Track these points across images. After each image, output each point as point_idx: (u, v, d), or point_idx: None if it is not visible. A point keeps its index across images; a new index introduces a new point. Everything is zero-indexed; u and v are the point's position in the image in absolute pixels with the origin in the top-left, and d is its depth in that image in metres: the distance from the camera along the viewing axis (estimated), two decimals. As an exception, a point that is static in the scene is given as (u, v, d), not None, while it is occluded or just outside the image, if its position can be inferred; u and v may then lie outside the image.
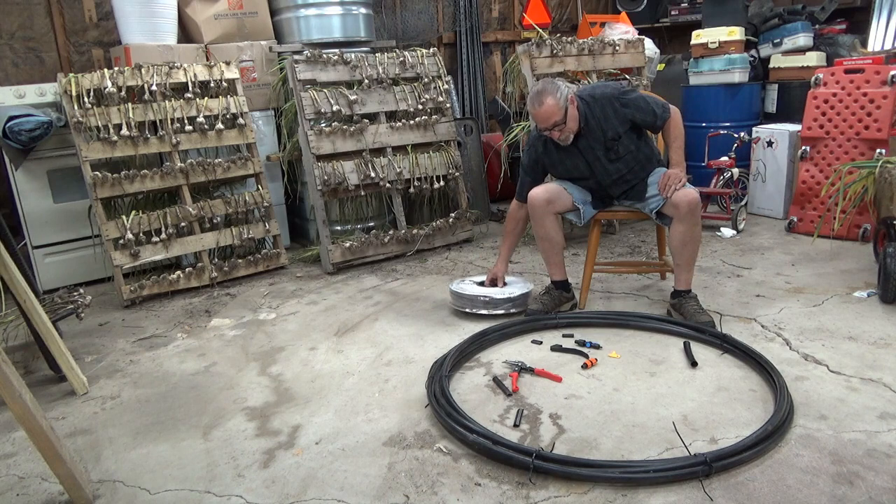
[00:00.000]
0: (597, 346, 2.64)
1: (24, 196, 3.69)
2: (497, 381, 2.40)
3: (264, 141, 4.30)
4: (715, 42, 4.82)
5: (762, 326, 2.78)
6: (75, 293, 2.90)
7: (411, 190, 4.20)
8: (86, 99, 3.50)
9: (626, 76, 4.46)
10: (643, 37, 4.63)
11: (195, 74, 3.80)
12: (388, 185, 4.09)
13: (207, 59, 4.07)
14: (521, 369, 2.46)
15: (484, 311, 3.01)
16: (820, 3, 5.11)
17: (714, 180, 4.43)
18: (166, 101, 3.71)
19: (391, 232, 4.09)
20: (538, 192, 2.91)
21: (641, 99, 2.87)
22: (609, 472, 1.80)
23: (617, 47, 4.34)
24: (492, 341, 2.74)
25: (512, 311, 3.03)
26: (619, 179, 2.91)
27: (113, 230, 3.52)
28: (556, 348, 2.66)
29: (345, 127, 3.97)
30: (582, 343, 2.69)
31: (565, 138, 2.81)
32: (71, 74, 3.52)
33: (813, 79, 4.12)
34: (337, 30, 4.44)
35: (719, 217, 4.34)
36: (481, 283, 3.20)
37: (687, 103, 4.98)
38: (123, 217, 3.56)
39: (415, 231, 4.13)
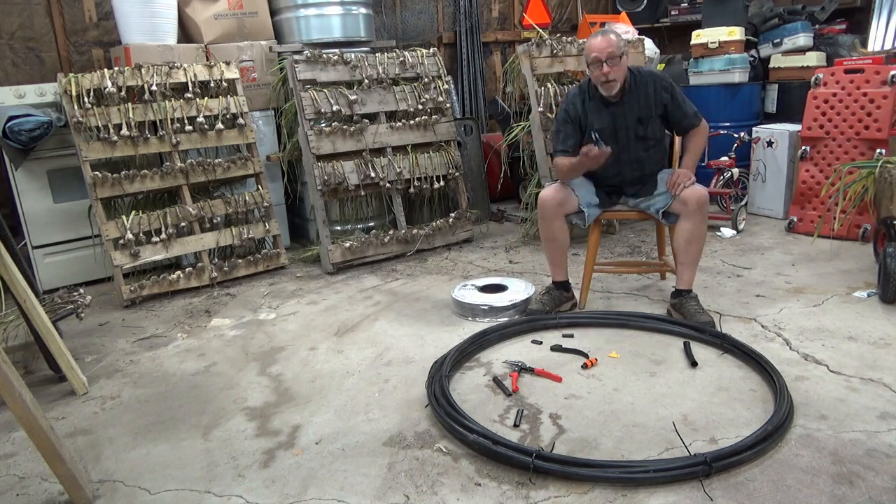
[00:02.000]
0: (584, 355, 2.58)
1: (24, 196, 3.69)
2: (497, 381, 2.40)
3: (264, 141, 4.30)
4: (715, 42, 4.82)
5: (762, 326, 2.78)
6: (75, 293, 2.90)
7: (411, 190, 4.20)
8: (86, 99, 3.50)
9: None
10: (643, 37, 4.63)
11: (195, 74, 3.80)
12: (388, 185, 4.09)
13: (207, 59, 4.07)
14: (521, 369, 2.46)
15: (486, 320, 3.01)
16: (820, 3, 5.11)
17: (714, 180, 4.42)
18: (166, 101, 3.71)
19: (391, 232, 4.09)
20: (549, 194, 2.89)
21: (681, 95, 2.90)
22: (609, 472, 1.80)
23: (617, 47, 4.33)
24: (492, 341, 2.74)
25: (514, 317, 3.03)
26: (638, 164, 2.91)
27: (113, 230, 3.52)
28: (556, 348, 2.65)
29: (345, 127, 3.97)
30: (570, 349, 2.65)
31: (612, 80, 2.75)
32: (71, 74, 3.52)
33: (813, 79, 4.12)
34: (337, 30, 4.44)
35: (719, 217, 4.34)
36: (483, 288, 3.21)
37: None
38: (123, 217, 3.56)
39: (415, 231, 4.13)
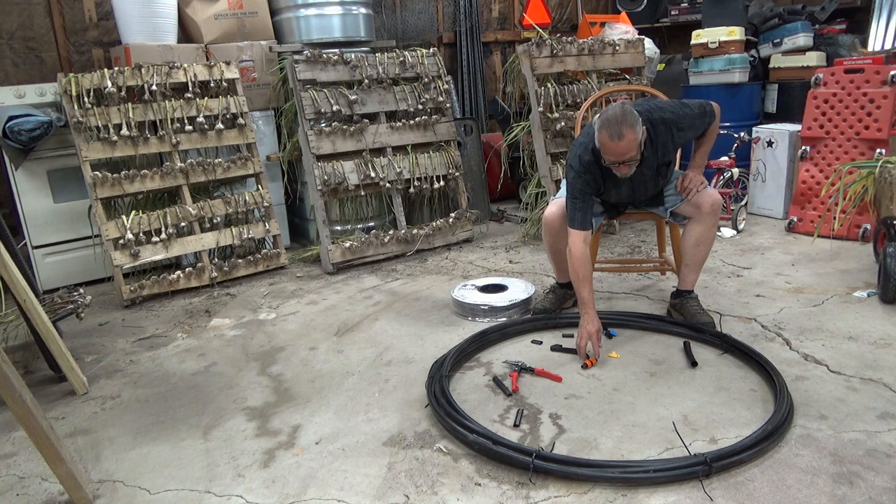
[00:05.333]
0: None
1: (24, 196, 3.69)
2: (497, 381, 2.40)
3: (264, 141, 4.30)
4: (715, 42, 4.82)
5: (762, 326, 2.78)
6: (75, 293, 2.90)
7: (411, 190, 4.20)
8: (86, 99, 3.50)
9: (627, 76, 4.47)
10: (643, 37, 4.63)
11: (195, 74, 3.80)
12: (388, 185, 4.09)
13: (207, 59, 4.07)
14: (521, 369, 2.46)
15: (486, 320, 3.02)
16: (820, 3, 5.11)
17: (714, 180, 4.42)
18: (166, 101, 3.71)
19: (391, 232, 4.09)
20: (555, 212, 2.80)
21: (692, 118, 2.65)
22: (609, 472, 1.81)
23: (617, 47, 4.34)
24: (492, 341, 2.74)
25: (514, 318, 3.03)
26: (654, 186, 2.77)
27: (113, 230, 3.52)
28: (556, 348, 2.65)
29: (345, 127, 3.97)
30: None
31: (629, 173, 2.51)
32: (71, 74, 3.52)
33: (813, 79, 4.12)
34: (337, 30, 4.44)
35: (719, 217, 4.33)
36: (483, 287, 3.21)
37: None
38: (123, 217, 3.56)
39: (415, 231, 4.13)
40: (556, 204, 2.84)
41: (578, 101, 4.16)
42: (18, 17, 4.22)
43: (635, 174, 2.59)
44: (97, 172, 3.50)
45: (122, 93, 3.60)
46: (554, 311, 2.99)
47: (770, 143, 4.37)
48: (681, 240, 2.83)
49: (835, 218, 3.63)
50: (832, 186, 3.59)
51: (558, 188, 2.88)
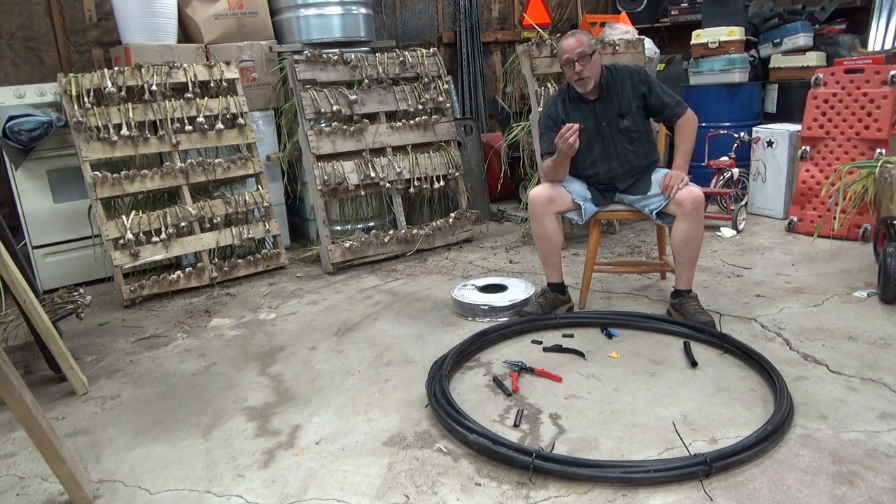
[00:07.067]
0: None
1: (24, 196, 3.69)
2: (497, 381, 2.40)
3: (264, 141, 4.30)
4: (715, 42, 4.82)
5: (762, 326, 2.78)
6: (75, 293, 2.90)
7: (411, 190, 4.21)
8: (86, 99, 3.50)
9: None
10: (643, 37, 4.63)
11: (195, 74, 3.80)
12: (388, 185, 4.09)
13: (207, 59, 4.07)
14: (521, 369, 2.46)
15: (486, 320, 3.02)
16: (820, 3, 5.11)
17: (714, 180, 4.43)
18: (166, 101, 3.71)
19: (391, 232, 4.09)
20: (539, 191, 2.89)
21: (658, 84, 2.95)
22: (609, 472, 1.81)
23: (617, 47, 4.34)
24: (492, 341, 2.74)
25: (514, 318, 3.02)
26: (625, 158, 2.93)
27: (113, 230, 3.52)
28: (555, 348, 2.65)
29: (345, 127, 3.97)
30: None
31: (585, 77, 2.82)
32: (71, 74, 3.52)
33: (813, 79, 4.12)
34: (337, 30, 4.44)
35: (719, 217, 4.34)
36: (483, 287, 3.21)
37: (687, 103, 4.96)
38: (123, 217, 3.56)
39: (415, 231, 4.13)
40: (541, 185, 2.97)
41: (578, 101, 4.15)
42: (18, 17, 4.22)
43: (599, 110, 2.92)
44: (97, 172, 3.50)
45: (122, 93, 3.60)
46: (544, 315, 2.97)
47: (770, 143, 4.37)
48: (671, 239, 2.84)
49: (835, 218, 3.63)
50: (832, 186, 3.59)
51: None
